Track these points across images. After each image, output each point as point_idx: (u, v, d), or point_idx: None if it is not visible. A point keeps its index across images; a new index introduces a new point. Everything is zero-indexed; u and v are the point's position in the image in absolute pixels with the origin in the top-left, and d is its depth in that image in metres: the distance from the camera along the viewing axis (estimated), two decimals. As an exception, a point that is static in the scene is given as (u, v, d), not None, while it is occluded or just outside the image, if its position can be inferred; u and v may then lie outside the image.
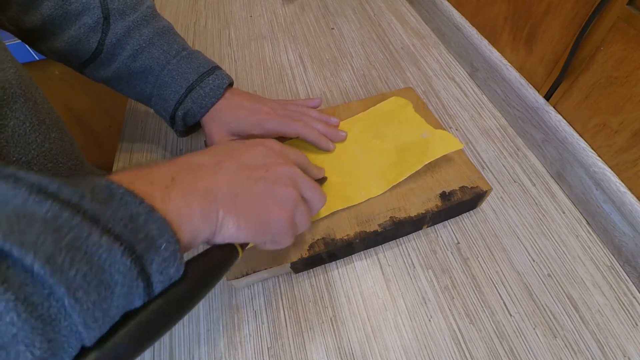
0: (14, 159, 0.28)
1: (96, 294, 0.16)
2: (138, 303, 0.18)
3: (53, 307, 0.14)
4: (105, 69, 0.40)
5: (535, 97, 0.44)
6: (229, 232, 0.23)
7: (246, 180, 0.25)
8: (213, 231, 0.23)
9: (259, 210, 0.25)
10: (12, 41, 0.81)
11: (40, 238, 0.14)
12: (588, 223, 0.40)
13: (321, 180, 0.37)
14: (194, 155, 0.26)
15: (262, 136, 0.43)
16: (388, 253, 0.39)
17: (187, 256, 0.21)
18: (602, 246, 0.38)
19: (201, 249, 0.24)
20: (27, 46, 0.79)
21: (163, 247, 0.18)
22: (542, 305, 0.35)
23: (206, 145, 0.42)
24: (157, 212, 0.19)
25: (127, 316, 0.17)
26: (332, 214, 0.37)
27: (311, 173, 0.34)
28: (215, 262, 0.23)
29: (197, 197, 0.22)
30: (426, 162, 0.38)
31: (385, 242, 0.39)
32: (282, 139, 0.43)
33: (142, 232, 0.18)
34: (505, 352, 0.32)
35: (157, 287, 0.18)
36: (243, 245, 0.26)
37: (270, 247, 0.28)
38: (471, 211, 0.41)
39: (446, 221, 0.41)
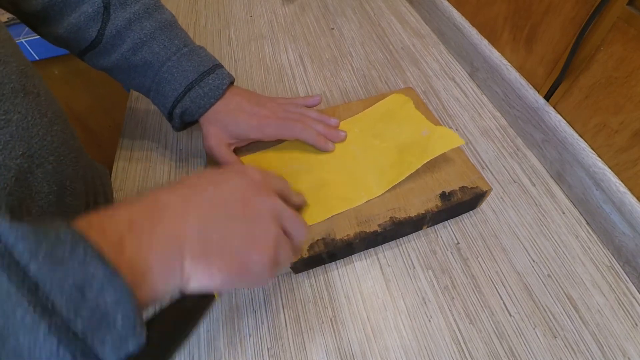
0: (20, 153, 0.28)
1: None
2: None
3: None
4: (105, 59, 0.40)
5: (535, 97, 0.44)
6: (200, 282, 0.21)
7: (220, 221, 0.23)
8: (179, 284, 0.20)
9: (235, 255, 0.22)
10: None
11: None
12: (588, 223, 0.40)
13: (300, 207, 0.36)
14: (160, 192, 0.23)
15: (261, 139, 0.43)
16: (388, 253, 0.39)
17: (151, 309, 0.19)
18: (602, 246, 0.38)
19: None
20: (27, 46, 0.79)
21: (119, 322, 0.16)
22: (542, 306, 0.35)
23: (205, 147, 0.42)
24: (119, 276, 0.16)
25: None
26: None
27: (292, 201, 0.32)
28: (190, 311, 0.21)
29: (159, 247, 0.20)
30: (427, 160, 0.38)
31: (385, 242, 0.39)
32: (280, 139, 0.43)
33: (87, 306, 0.15)
34: (505, 352, 0.32)
35: None
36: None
37: (247, 287, 0.26)
38: (471, 211, 0.41)
39: (446, 221, 0.41)
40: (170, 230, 0.20)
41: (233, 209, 0.24)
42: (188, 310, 0.21)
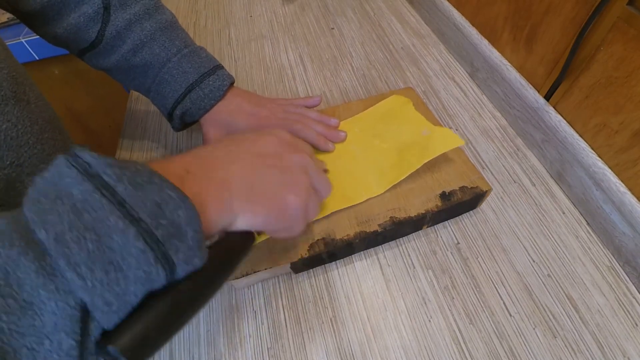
0: (8, 162, 0.28)
1: (103, 274, 0.16)
2: (157, 286, 0.18)
3: (59, 279, 0.15)
4: (105, 59, 0.40)
5: (535, 97, 0.44)
6: (245, 220, 0.24)
7: (260, 169, 0.26)
8: (229, 220, 0.23)
9: (273, 197, 0.25)
10: (12, 41, 0.81)
11: (61, 217, 0.16)
12: (588, 223, 0.40)
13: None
14: (205, 147, 0.27)
15: None
16: (388, 253, 0.39)
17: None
18: (602, 246, 0.38)
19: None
20: (27, 46, 0.79)
21: (190, 236, 0.18)
22: (542, 306, 0.35)
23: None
24: (189, 200, 0.19)
25: (149, 301, 0.18)
26: (332, 213, 0.37)
27: (317, 164, 0.35)
28: (234, 249, 0.24)
29: (213, 188, 0.22)
30: (427, 160, 0.38)
31: (385, 242, 0.39)
32: None
33: (166, 219, 0.18)
34: (505, 352, 0.32)
35: (180, 275, 0.18)
36: (258, 232, 0.26)
37: (283, 235, 0.28)
38: (471, 211, 0.41)
39: (446, 221, 0.41)
40: (220, 176, 0.23)
41: (269, 161, 0.27)
42: (235, 249, 0.24)
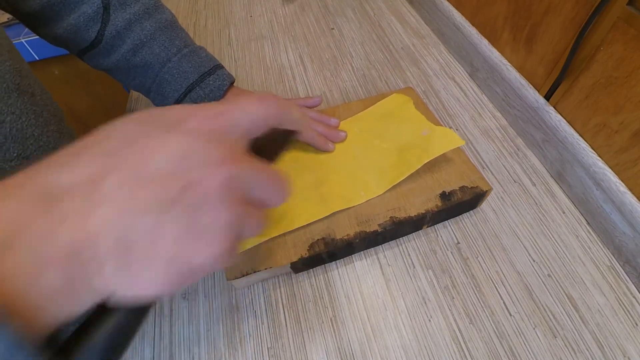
0: (15, 154, 0.28)
1: None
2: None
3: None
4: (105, 59, 0.40)
5: (535, 97, 0.44)
6: (127, 295, 0.15)
7: (147, 212, 0.15)
8: (95, 299, 0.15)
9: (171, 258, 0.15)
10: (12, 41, 0.80)
11: None
12: (588, 223, 0.40)
13: (288, 136, 0.26)
14: (58, 168, 0.15)
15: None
16: (388, 253, 0.39)
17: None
18: (602, 246, 0.38)
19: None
20: (27, 46, 0.79)
21: None
22: (542, 305, 0.35)
23: None
24: (4, 326, 0.12)
25: None
26: (332, 214, 0.37)
27: (287, 121, 0.23)
28: (109, 335, 0.16)
29: (56, 264, 0.13)
30: (427, 160, 0.38)
31: (385, 242, 0.39)
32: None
33: None
34: (505, 352, 0.32)
35: None
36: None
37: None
38: (471, 211, 0.41)
39: (446, 221, 0.41)
40: (75, 234, 0.14)
41: (166, 193, 0.15)
42: (118, 331, 0.16)
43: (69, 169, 0.15)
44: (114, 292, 0.15)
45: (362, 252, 0.39)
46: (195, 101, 0.40)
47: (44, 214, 0.14)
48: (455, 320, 0.34)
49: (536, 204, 0.42)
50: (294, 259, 0.35)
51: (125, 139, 0.16)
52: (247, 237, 0.19)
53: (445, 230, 0.40)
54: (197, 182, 0.16)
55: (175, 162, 0.16)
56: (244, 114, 0.19)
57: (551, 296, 0.35)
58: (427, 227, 0.40)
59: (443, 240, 0.39)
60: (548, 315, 0.34)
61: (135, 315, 0.17)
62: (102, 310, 0.16)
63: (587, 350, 0.32)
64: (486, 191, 0.39)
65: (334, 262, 0.38)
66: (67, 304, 0.14)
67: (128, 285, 0.15)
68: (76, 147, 0.16)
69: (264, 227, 0.20)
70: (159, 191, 0.15)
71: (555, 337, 0.33)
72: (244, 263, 0.35)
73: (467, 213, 0.41)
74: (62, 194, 0.14)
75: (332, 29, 0.67)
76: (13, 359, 0.12)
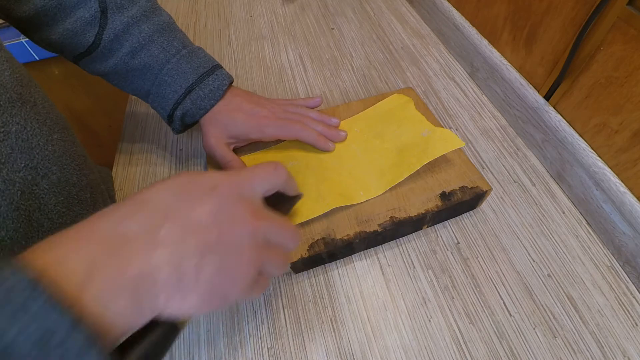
0: (22, 165, 0.28)
1: None
2: None
3: None
4: (102, 64, 0.39)
5: (535, 97, 0.44)
6: (175, 313, 0.20)
7: (193, 253, 0.20)
8: (152, 316, 0.19)
9: (211, 286, 0.20)
10: (12, 41, 0.81)
11: None
12: (588, 223, 0.40)
13: (295, 199, 0.33)
14: (119, 219, 0.20)
15: (260, 140, 0.43)
16: (388, 253, 0.39)
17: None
18: (602, 246, 0.38)
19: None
20: (27, 46, 0.79)
21: None
22: (542, 305, 0.35)
23: (204, 147, 0.42)
24: (82, 326, 0.15)
25: None
26: (332, 214, 0.37)
27: (289, 188, 0.30)
28: (155, 344, 0.20)
29: (126, 291, 0.18)
30: (427, 162, 0.38)
31: (385, 242, 0.39)
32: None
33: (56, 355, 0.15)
34: (505, 352, 0.32)
35: None
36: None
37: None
38: (471, 211, 0.41)
39: (446, 221, 0.41)
40: (140, 269, 0.18)
41: (205, 239, 0.20)
42: (156, 343, 0.20)
43: (133, 220, 0.20)
44: (165, 310, 0.19)
45: (362, 252, 0.39)
46: (195, 102, 0.40)
47: (116, 253, 0.18)
48: (455, 320, 0.34)
49: (536, 204, 0.42)
50: (294, 259, 0.35)
51: (174, 198, 0.21)
52: (273, 275, 0.26)
53: (445, 230, 0.40)
54: (227, 231, 0.21)
55: (212, 218, 0.21)
56: (262, 182, 0.26)
57: (551, 296, 0.35)
58: (427, 227, 0.40)
59: (443, 241, 0.39)
60: (548, 315, 0.34)
61: (175, 328, 0.21)
62: (150, 325, 0.19)
63: (587, 350, 0.32)
64: (486, 191, 0.39)
65: (334, 262, 0.38)
66: (132, 321, 0.18)
67: (177, 305, 0.19)
68: (133, 203, 0.21)
69: (286, 268, 0.26)
70: (201, 238, 0.20)
71: (555, 337, 0.33)
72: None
73: (467, 213, 0.41)
74: (128, 239, 0.19)
75: (332, 29, 0.67)
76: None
